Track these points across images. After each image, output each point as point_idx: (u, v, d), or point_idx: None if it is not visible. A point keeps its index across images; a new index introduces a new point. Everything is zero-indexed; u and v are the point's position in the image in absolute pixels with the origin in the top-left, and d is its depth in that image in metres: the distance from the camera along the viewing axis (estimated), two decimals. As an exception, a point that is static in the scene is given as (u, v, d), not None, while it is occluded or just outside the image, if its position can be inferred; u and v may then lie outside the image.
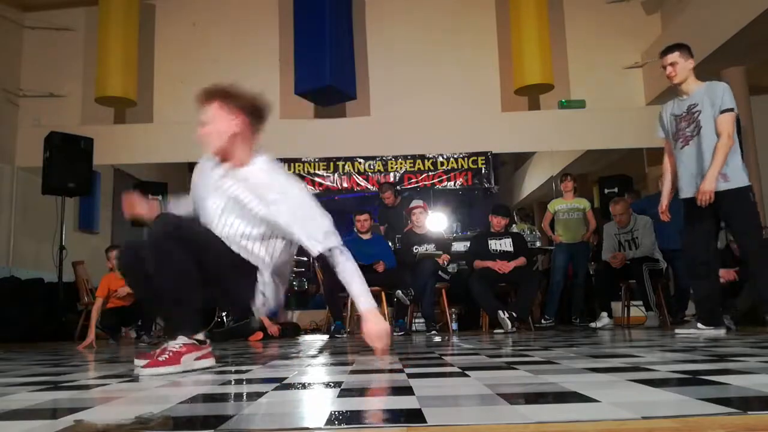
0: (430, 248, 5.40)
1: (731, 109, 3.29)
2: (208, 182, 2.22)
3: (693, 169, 3.44)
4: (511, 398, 1.15)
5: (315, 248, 2.10)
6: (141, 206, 2.29)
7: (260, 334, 5.12)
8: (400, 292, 4.96)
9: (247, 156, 2.19)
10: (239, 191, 2.13)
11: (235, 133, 2.15)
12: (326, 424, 0.95)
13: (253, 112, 2.20)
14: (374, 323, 2.15)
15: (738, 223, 3.36)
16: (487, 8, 7.35)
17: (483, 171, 7.08)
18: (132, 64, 6.74)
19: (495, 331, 4.80)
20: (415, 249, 5.41)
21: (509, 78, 6.90)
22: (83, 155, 6.16)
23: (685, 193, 3.52)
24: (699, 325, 3.45)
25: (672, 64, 3.48)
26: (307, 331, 6.60)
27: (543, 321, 5.48)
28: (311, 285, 7.28)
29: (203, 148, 2.19)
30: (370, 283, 5.44)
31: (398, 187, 6.94)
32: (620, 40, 7.24)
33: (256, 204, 2.10)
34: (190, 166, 9.36)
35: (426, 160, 7.15)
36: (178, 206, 2.40)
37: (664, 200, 3.75)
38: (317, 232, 2.10)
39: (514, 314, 4.76)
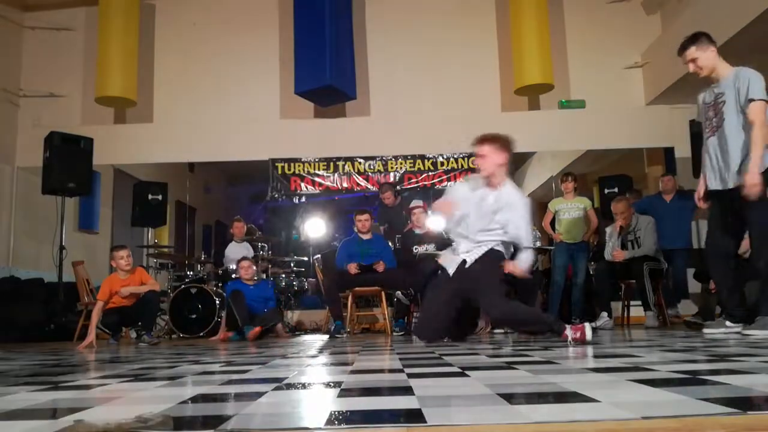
0: (430, 248, 5.40)
1: (762, 98, 3.09)
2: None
3: (715, 160, 3.31)
4: (511, 398, 1.15)
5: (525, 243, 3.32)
6: None
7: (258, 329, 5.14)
8: (400, 292, 4.96)
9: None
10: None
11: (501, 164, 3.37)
12: (326, 424, 0.95)
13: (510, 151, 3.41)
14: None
15: (752, 218, 3.22)
16: (487, 8, 7.35)
17: (483, 171, 7.06)
18: (132, 64, 6.74)
19: (494, 330, 4.80)
20: (415, 249, 5.41)
21: (509, 78, 6.90)
22: (83, 155, 6.16)
23: (711, 184, 3.37)
24: (727, 323, 3.36)
25: (692, 61, 3.31)
26: (305, 332, 6.60)
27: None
28: (309, 284, 7.29)
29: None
30: (370, 283, 5.47)
31: (398, 187, 6.94)
32: (620, 40, 7.24)
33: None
34: (191, 166, 9.40)
35: (426, 160, 7.15)
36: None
37: (700, 189, 3.54)
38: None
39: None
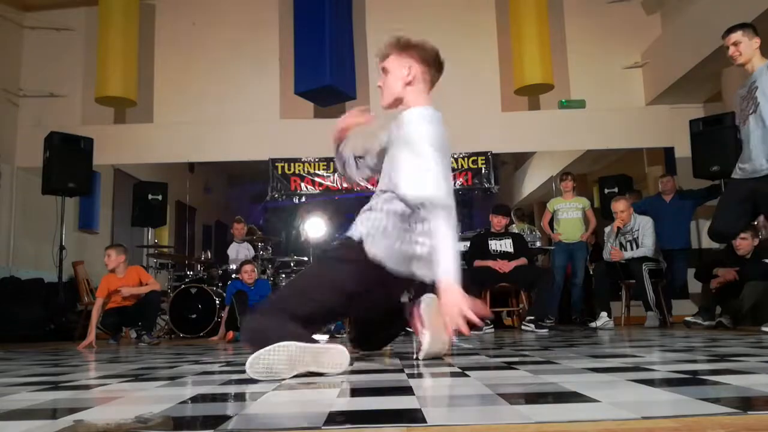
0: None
1: None
2: None
3: (746, 149, 3.29)
4: (511, 398, 1.16)
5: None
6: None
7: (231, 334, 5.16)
8: (399, 292, 4.95)
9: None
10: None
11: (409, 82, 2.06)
12: (326, 424, 0.95)
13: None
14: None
15: None
16: (487, 8, 7.35)
17: (483, 171, 7.07)
18: (132, 64, 6.74)
19: (485, 330, 4.80)
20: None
21: (509, 78, 6.90)
22: (83, 155, 6.16)
23: (735, 173, 3.36)
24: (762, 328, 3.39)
25: (735, 44, 3.29)
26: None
27: (544, 321, 5.48)
28: None
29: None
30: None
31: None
32: (620, 40, 7.24)
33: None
34: (191, 166, 9.39)
35: (426, 160, 7.14)
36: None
37: None
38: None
39: (532, 318, 4.78)
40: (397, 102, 2.07)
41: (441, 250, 1.79)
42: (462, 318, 1.68)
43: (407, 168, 1.86)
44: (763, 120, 3.19)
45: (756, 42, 3.29)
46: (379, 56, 2.09)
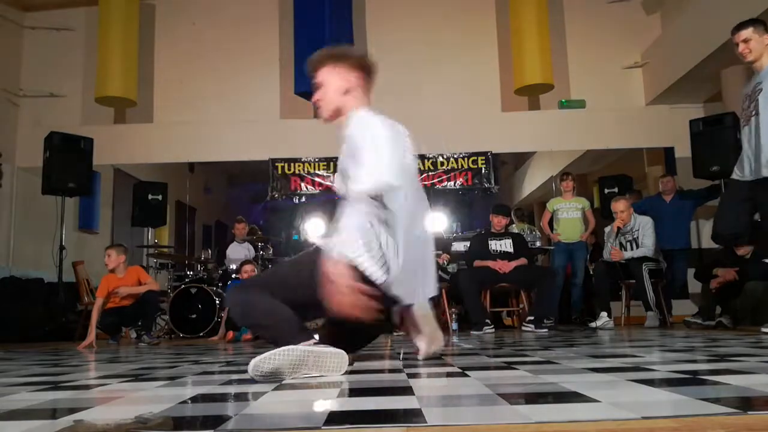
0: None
1: None
2: None
3: (746, 149, 3.25)
4: (511, 398, 1.16)
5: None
6: None
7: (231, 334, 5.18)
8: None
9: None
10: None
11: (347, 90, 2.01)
12: (326, 424, 0.95)
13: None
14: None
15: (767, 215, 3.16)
16: (487, 8, 7.35)
17: (483, 171, 7.08)
18: (132, 64, 6.74)
19: (485, 330, 4.79)
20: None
21: (509, 78, 6.90)
22: (83, 155, 6.16)
23: (734, 174, 3.33)
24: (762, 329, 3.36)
25: (745, 41, 3.23)
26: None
27: (544, 321, 5.48)
28: None
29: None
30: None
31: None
32: (620, 40, 7.24)
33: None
34: (190, 166, 9.38)
35: (426, 160, 7.15)
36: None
37: None
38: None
39: (532, 318, 4.79)
40: (337, 113, 2.06)
41: (342, 225, 1.76)
42: (340, 293, 1.66)
43: (355, 170, 1.84)
44: (759, 126, 3.16)
45: (767, 39, 3.23)
46: (310, 72, 2.06)
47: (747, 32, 3.22)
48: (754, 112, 3.21)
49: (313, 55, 2.04)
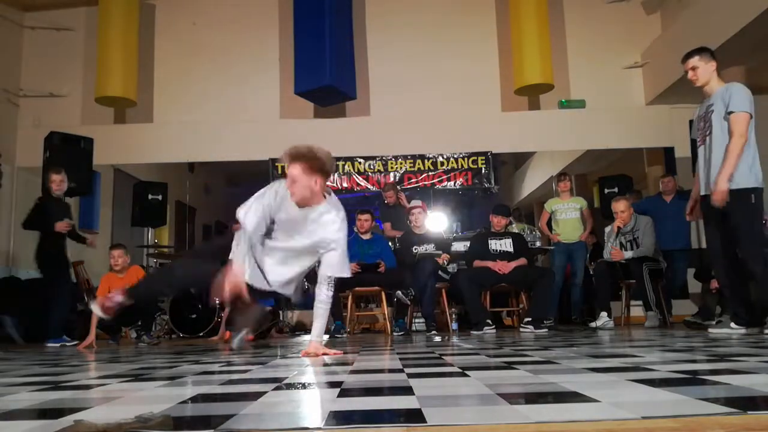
0: (429, 248, 5.39)
1: (742, 111, 3.30)
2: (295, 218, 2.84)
3: (703, 169, 3.52)
4: (511, 398, 1.16)
5: (327, 274, 2.79)
6: None
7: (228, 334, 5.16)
8: (400, 292, 4.96)
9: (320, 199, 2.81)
10: (317, 237, 2.80)
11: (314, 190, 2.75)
12: (326, 424, 0.95)
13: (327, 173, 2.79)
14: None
15: (734, 224, 3.36)
16: (487, 8, 7.35)
17: (483, 171, 7.08)
18: (132, 64, 6.74)
19: (486, 330, 4.80)
20: (415, 249, 5.41)
21: (509, 78, 6.90)
22: (83, 155, 6.16)
23: (701, 190, 3.57)
24: (732, 324, 3.43)
25: (693, 69, 3.55)
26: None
27: (543, 322, 5.48)
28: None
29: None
30: (370, 283, 5.47)
31: (398, 187, 6.95)
32: (620, 40, 7.24)
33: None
34: (190, 166, 9.34)
35: (426, 160, 7.15)
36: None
37: (690, 202, 3.80)
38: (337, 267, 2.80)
39: (530, 319, 4.79)
40: (306, 201, 2.77)
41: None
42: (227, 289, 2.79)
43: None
44: (712, 146, 3.43)
45: (712, 66, 3.53)
46: (286, 161, 2.72)
47: (693, 60, 3.56)
48: (708, 132, 3.48)
49: (292, 150, 2.73)
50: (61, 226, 5.03)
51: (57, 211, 5.15)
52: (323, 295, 2.74)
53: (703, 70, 3.53)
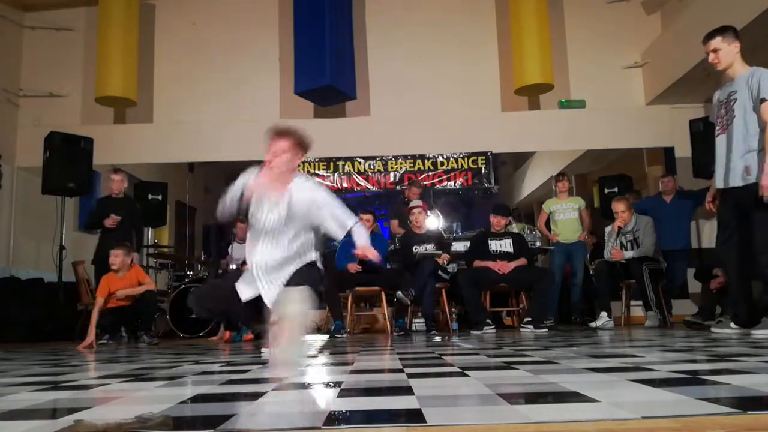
0: (429, 248, 5.39)
1: None
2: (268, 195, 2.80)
3: (723, 158, 3.29)
4: (511, 398, 1.16)
5: (344, 228, 2.75)
6: None
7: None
8: (400, 292, 4.96)
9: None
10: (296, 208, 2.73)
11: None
12: (326, 424, 0.95)
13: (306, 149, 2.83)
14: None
15: (753, 219, 3.16)
16: (487, 8, 7.35)
17: (483, 171, 7.08)
18: (132, 64, 6.74)
19: (485, 330, 4.80)
20: (415, 249, 5.41)
21: (509, 78, 6.90)
22: (83, 155, 6.16)
23: (718, 183, 3.36)
24: (732, 324, 3.37)
25: (714, 51, 3.27)
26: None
27: (543, 322, 5.48)
28: None
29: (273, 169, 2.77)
30: (370, 283, 5.46)
31: (398, 187, 6.95)
32: (620, 40, 7.24)
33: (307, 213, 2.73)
34: (190, 166, 9.34)
35: (426, 160, 7.15)
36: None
37: (711, 190, 3.55)
38: (343, 218, 2.74)
39: (530, 319, 4.79)
40: (281, 177, 2.78)
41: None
42: None
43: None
44: (734, 135, 3.19)
45: (735, 47, 3.25)
46: (273, 135, 2.76)
47: (715, 42, 3.25)
48: (729, 122, 3.23)
49: (280, 125, 2.79)
50: (109, 222, 5.40)
51: (114, 212, 5.44)
52: (355, 227, 2.77)
53: (726, 52, 3.25)
